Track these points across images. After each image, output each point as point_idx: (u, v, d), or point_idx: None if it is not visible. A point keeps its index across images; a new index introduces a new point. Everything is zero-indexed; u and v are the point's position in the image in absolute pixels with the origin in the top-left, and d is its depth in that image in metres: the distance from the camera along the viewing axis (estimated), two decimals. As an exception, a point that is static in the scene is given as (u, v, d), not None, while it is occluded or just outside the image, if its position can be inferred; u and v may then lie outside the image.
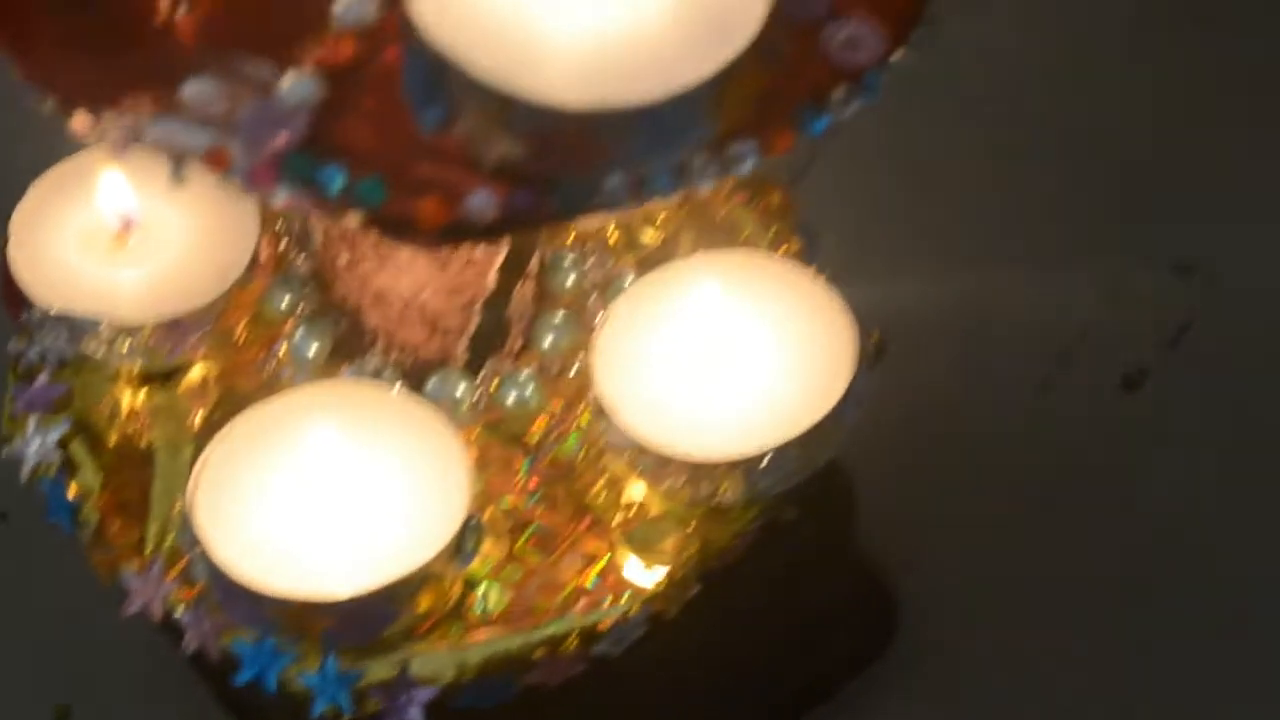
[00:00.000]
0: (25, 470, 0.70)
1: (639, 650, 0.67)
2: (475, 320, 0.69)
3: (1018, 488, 0.84)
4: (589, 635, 0.66)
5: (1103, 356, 0.88)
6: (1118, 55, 0.99)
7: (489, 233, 0.51)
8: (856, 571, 0.78)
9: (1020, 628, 0.81)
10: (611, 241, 0.73)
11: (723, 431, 0.67)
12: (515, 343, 0.70)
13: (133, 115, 0.52)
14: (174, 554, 0.67)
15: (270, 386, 0.70)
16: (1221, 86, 0.97)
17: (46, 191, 0.72)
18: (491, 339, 0.70)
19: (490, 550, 0.67)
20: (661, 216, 0.74)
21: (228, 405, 0.70)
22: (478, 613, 0.66)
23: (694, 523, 0.67)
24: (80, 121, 0.52)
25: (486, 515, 0.68)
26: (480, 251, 0.67)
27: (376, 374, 0.69)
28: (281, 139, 0.51)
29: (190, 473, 0.65)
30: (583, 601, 0.66)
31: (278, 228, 0.72)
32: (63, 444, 0.69)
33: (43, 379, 0.70)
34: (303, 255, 0.71)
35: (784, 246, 0.74)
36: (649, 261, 0.72)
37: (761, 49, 0.52)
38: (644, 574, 0.67)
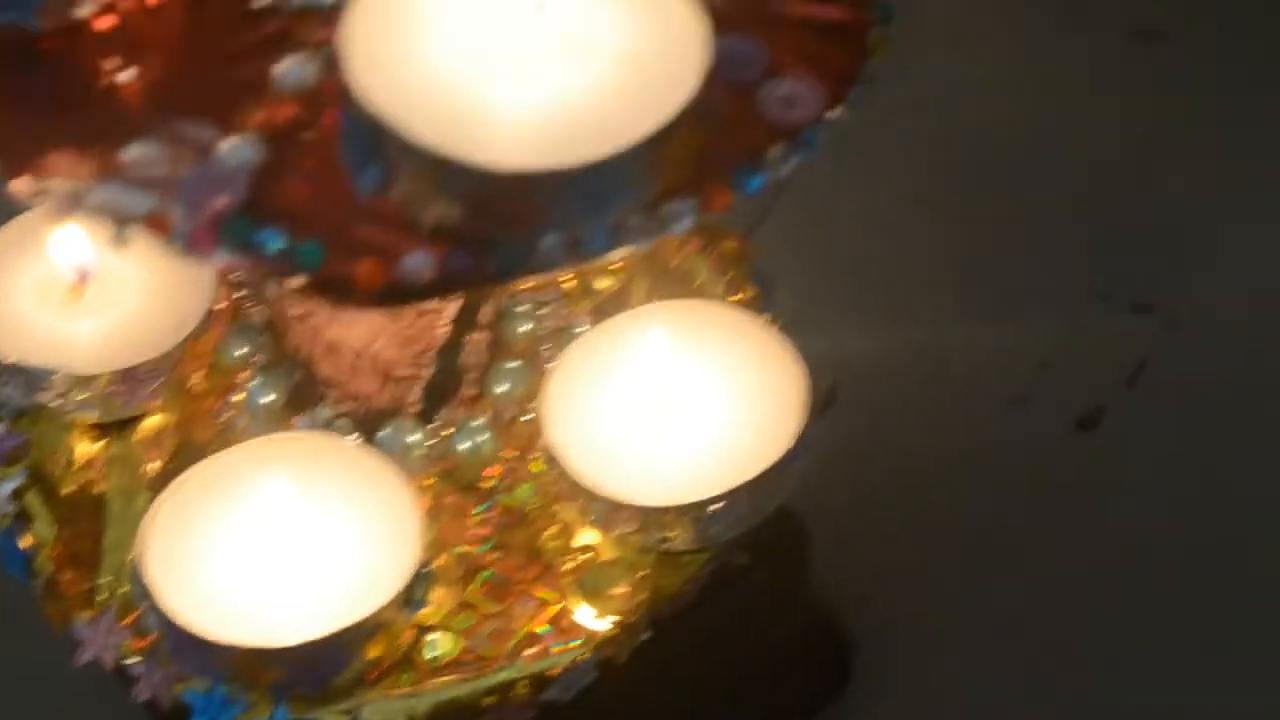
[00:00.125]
0: (-19, 522, 0.70)
1: (590, 696, 0.67)
2: (428, 369, 0.69)
3: (973, 528, 0.85)
4: (539, 682, 0.66)
5: (1060, 396, 0.89)
6: (1073, 97, 0.99)
7: (426, 293, 0.52)
8: (811, 614, 0.79)
9: (975, 667, 0.81)
10: (567, 289, 0.74)
11: (673, 479, 0.67)
12: (469, 391, 0.71)
13: (74, 180, 0.53)
14: (127, 604, 0.67)
15: (226, 436, 0.71)
16: (1178, 125, 0.98)
17: (2, 244, 0.72)
18: (445, 387, 0.70)
19: (441, 598, 0.67)
20: (617, 264, 0.75)
21: (183, 454, 0.71)
22: (428, 660, 0.66)
23: (645, 569, 0.68)
24: (21, 185, 0.53)
25: (439, 562, 0.68)
26: (432, 302, 0.68)
27: (330, 424, 0.70)
28: (221, 202, 0.52)
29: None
30: (534, 648, 0.67)
31: (233, 277, 0.72)
32: (17, 495, 0.70)
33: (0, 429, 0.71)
34: (258, 304, 0.72)
35: (739, 294, 0.74)
36: (604, 309, 0.73)
37: (698, 109, 0.53)
38: (595, 620, 0.67)
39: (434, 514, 0.69)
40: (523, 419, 0.71)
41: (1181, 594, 0.83)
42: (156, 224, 0.52)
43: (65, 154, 0.53)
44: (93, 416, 0.71)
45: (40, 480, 0.70)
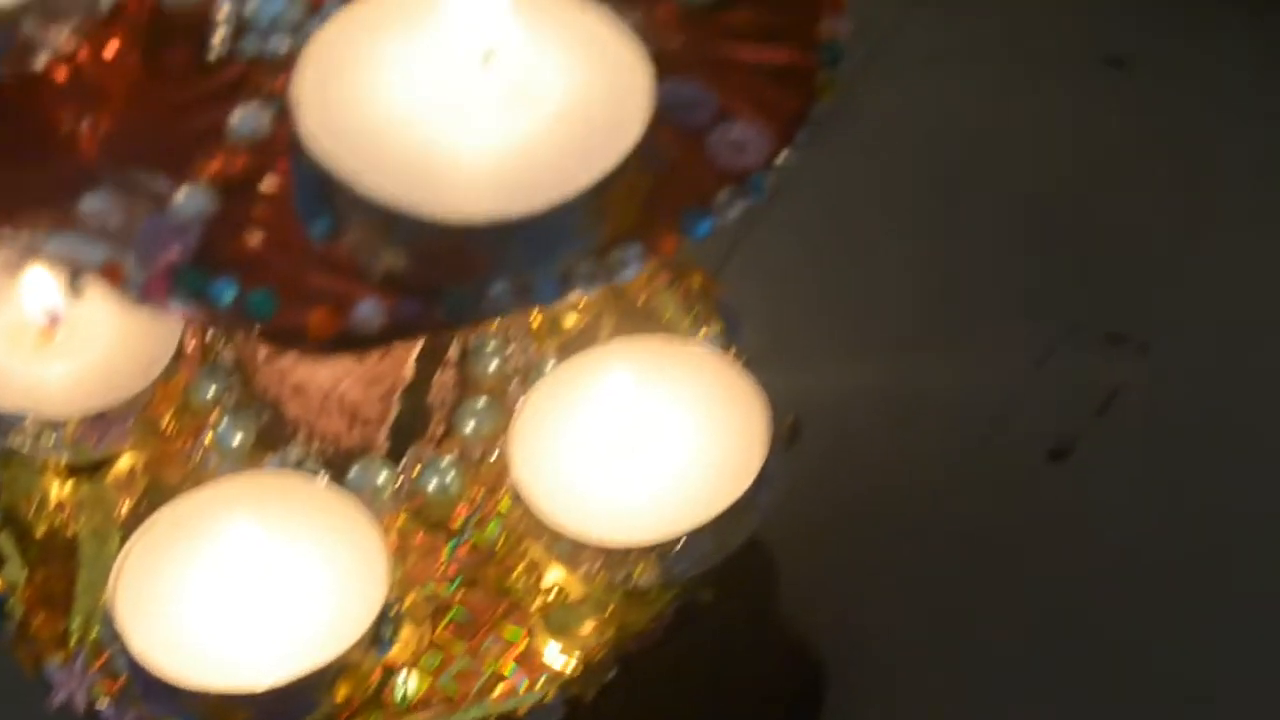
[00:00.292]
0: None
1: (559, 734, 0.68)
2: (395, 409, 0.70)
3: (944, 557, 0.85)
4: (506, 721, 0.67)
5: (1030, 426, 0.89)
6: (1042, 128, 1.00)
7: (377, 341, 0.53)
8: (782, 646, 0.79)
9: (946, 696, 0.82)
10: (534, 326, 0.74)
11: (637, 517, 0.68)
12: (437, 429, 0.71)
13: (30, 229, 0.53)
14: (98, 646, 0.68)
15: (196, 476, 0.71)
16: (1150, 156, 0.98)
17: (-31, 291, 0.73)
18: (413, 427, 0.71)
19: (410, 637, 0.68)
20: (583, 301, 0.75)
21: (155, 495, 0.71)
22: (397, 700, 0.67)
23: (611, 606, 0.68)
24: (-23, 237, 0.54)
25: (408, 602, 0.69)
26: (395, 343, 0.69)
27: (299, 464, 0.71)
28: (174, 252, 0.52)
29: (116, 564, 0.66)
30: (501, 687, 0.67)
31: (193, 323, 0.73)
32: (-11, 538, 0.71)
33: (-30, 474, 0.72)
34: (226, 345, 0.72)
35: (705, 329, 0.75)
36: (570, 346, 0.73)
37: (644, 155, 0.53)
38: (561, 658, 0.68)
39: (402, 553, 0.69)
40: (490, 458, 0.72)
41: (1155, 622, 0.84)
42: (111, 274, 0.52)
43: (21, 204, 0.54)
44: (64, 459, 0.71)
45: (12, 522, 0.71)
